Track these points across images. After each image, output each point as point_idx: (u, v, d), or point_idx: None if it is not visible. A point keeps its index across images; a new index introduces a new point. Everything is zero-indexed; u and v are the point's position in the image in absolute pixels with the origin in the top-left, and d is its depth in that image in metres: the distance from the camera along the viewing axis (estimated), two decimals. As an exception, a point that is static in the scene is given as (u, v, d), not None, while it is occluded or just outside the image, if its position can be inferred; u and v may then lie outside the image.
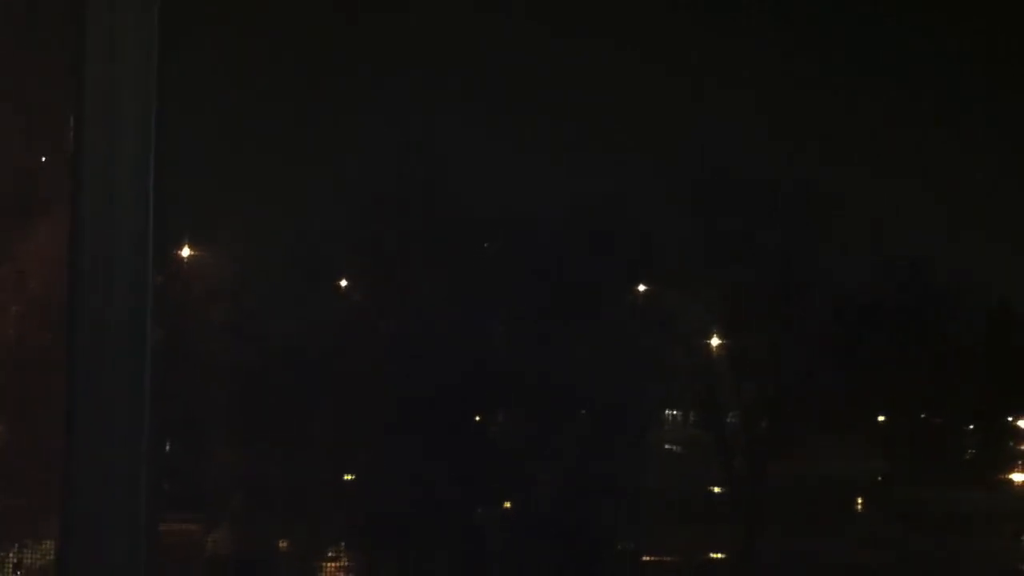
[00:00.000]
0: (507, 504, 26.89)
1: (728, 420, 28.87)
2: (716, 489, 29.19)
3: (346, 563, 26.75)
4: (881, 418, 32.07)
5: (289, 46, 30.82)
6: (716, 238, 28.44)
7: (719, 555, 28.95)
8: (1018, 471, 33.31)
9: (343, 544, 26.96)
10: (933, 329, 29.47)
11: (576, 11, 34.77)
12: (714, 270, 28.56)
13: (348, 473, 26.93)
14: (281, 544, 26.24)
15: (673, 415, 33.01)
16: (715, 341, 29.09)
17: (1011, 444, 34.09)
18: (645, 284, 28.63)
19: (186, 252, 25.96)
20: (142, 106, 2.95)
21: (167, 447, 24.35)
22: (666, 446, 32.29)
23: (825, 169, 30.79)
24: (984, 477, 31.81)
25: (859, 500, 32.17)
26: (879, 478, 32.11)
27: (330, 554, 26.77)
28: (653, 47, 34.71)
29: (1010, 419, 33.98)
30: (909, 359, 28.88)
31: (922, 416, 32.30)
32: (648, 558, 28.23)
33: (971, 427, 33.63)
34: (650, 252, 28.31)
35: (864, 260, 29.42)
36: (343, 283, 27.95)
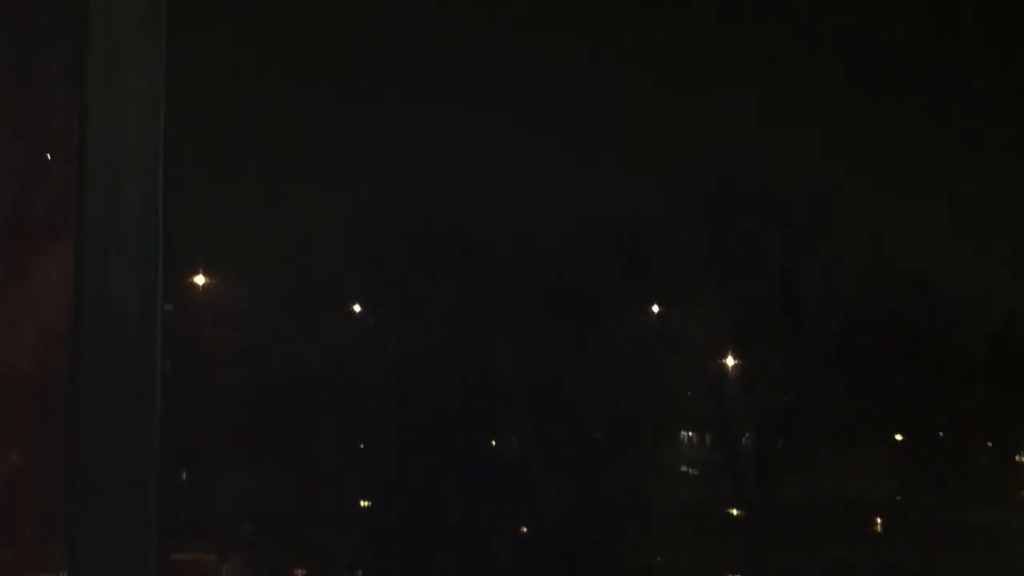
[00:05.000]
0: (515, 518, 26.79)
1: (743, 441, 28.75)
2: (734, 512, 29.05)
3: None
4: (899, 438, 31.98)
5: (294, 63, 30.86)
6: (724, 252, 28.33)
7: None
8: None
9: (360, 572, 26.87)
10: (942, 342, 29.34)
11: (583, 24, 34.83)
12: (722, 285, 28.47)
13: (360, 496, 26.84)
14: (298, 573, 26.17)
15: (689, 437, 32.90)
16: (726, 358, 29.00)
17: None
18: (653, 299, 28.57)
19: (191, 270, 25.97)
20: (149, 131, 2.92)
21: (183, 476, 24.33)
22: (682, 468, 32.18)
23: (831, 183, 30.74)
24: (999, 494, 31.69)
25: (875, 517, 32.03)
26: (897, 497, 32.00)
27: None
28: (661, 60, 34.76)
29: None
30: (919, 373, 28.74)
31: (939, 434, 32.20)
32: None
33: (989, 444, 33.54)
34: (658, 267, 28.24)
35: (872, 274, 29.30)
36: (351, 300, 27.94)
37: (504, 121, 32.21)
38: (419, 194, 26.58)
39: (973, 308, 29.36)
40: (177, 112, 3.08)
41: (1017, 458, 33.90)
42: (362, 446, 26.02)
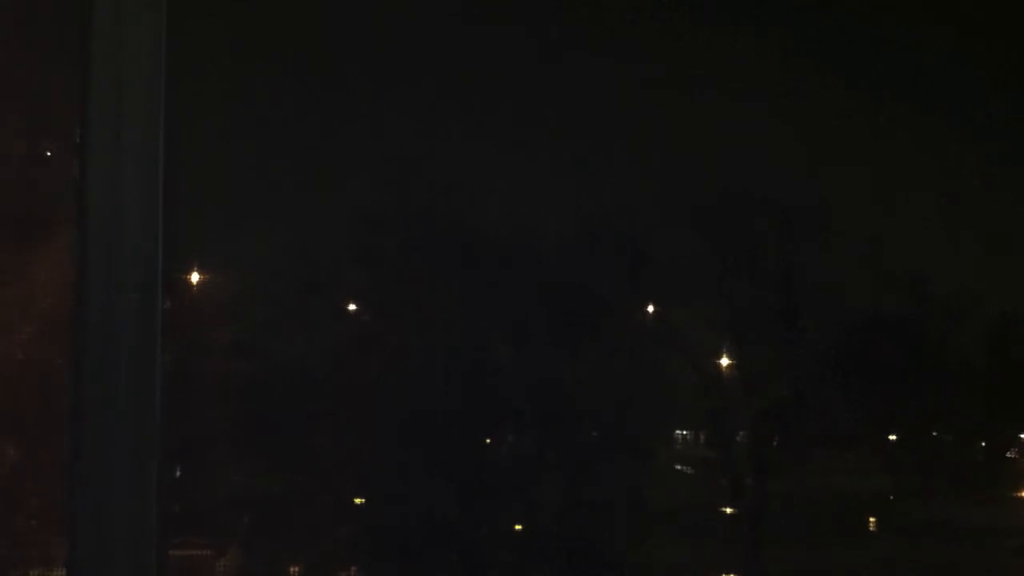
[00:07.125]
0: (514, 523, 26.82)
1: (737, 439, 28.82)
2: (728, 510, 29.11)
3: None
4: (892, 437, 32.00)
5: (292, 62, 30.85)
6: (723, 252, 28.38)
7: (730, 575, 28.87)
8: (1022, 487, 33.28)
9: (353, 568, 26.87)
10: (936, 344, 29.43)
11: (583, 26, 34.82)
12: (720, 287, 28.52)
13: (356, 494, 26.85)
14: (292, 569, 26.17)
15: (683, 435, 32.95)
16: (722, 359, 29.04)
17: (1016, 459, 34.04)
18: (651, 301, 28.60)
19: (188, 267, 25.94)
20: (149, 128, 2.93)
21: (177, 472, 24.33)
22: (676, 466, 32.22)
23: (827, 185, 30.76)
24: (989, 492, 31.76)
25: (867, 516, 32.09)
26: (891, 497, 32.04)
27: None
28: (660, 64, 34.75)
29: (1019, 435, 33.92)
30: (913, 374, 28.83)
31: (932, 433, 32.24)
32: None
33: (981, 444, 33.58)
34: (656, 269, 28.27)
35: (867, 276, 29.39)
36: (347, 299, 27.93)
37: (504, 120, 32.26)
38: (418, 193, 26.60)
39: (970, 308, 29.47)
40: (177, 107, 3.09)
41: (1009, 456, 33.96)
42: (359, 443, 26.01)
